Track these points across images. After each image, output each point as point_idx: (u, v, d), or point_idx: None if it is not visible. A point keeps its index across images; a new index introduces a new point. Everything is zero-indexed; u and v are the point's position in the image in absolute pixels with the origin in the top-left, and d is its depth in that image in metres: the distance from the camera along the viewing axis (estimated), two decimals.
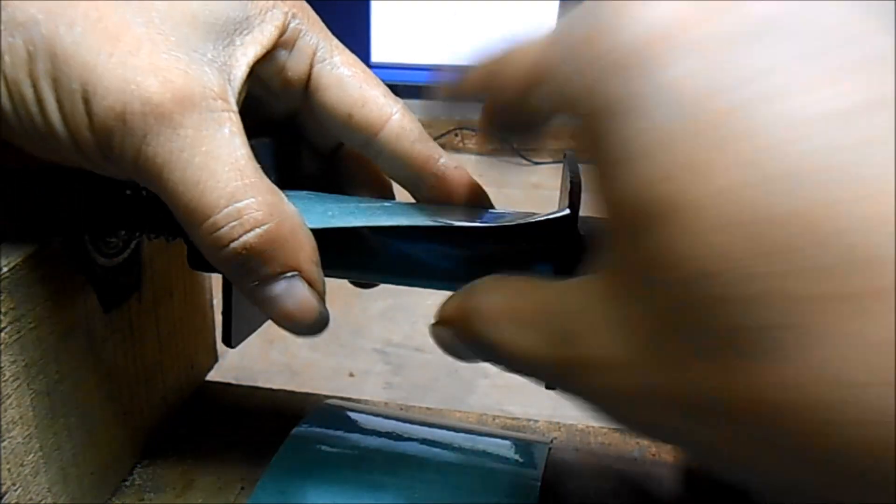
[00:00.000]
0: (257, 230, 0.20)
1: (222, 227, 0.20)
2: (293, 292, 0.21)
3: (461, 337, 0.19)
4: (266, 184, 0.21)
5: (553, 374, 0.17)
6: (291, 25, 0.23)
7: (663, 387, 0.14)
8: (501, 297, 0.18)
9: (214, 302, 0.36)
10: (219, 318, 0.36)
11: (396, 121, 0.26)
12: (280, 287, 0.21)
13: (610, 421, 0.16)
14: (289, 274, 0.21)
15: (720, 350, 0.12)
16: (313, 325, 0.22)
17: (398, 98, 0.25)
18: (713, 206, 0.12)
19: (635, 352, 0.14)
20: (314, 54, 0.24)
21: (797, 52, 0.13)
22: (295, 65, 0.24)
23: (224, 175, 0.20)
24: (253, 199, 0.20)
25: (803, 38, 0.13)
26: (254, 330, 0.29)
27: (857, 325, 0.11)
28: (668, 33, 0.13)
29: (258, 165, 0.21)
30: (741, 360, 0.12)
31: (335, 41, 0.25)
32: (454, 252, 0.24)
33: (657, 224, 0.13)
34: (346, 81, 0.25)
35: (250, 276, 0.21)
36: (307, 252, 0.21)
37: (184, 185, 0.20)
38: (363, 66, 0.25)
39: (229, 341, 0.28)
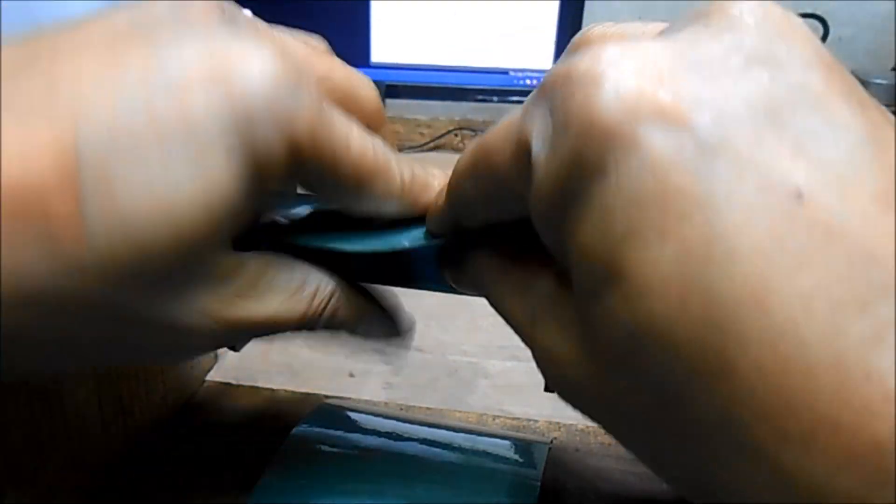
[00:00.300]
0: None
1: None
2: (372, 331, 0.24)
3: (458, 283, 0.22)
4: None
5: (522, 337, 0.19)
6: None
7: (601, 391, 0.16)
8: (495, 260, 0.21)
9: None
10: None
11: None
12: (360, 332, 0.24)
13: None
14: (360, 323, 0.24)
15: (653, 395, 0.14)
16: (403, 336, 0.26)
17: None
18: (660, 278, 0.13)
19: (580, 361, 0.16)
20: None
21: (766, 127, 0.13)
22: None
23: None
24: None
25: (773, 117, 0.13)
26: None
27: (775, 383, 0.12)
28: (637, 107, 0.14)
29: None
30: (666, 405, 0.14)
31: None
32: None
33: (608, 283, 0.14)
34: None
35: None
36: (367, 300, 0.24)
37: None
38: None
39: (233, 345, 0.28)
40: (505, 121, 0.18)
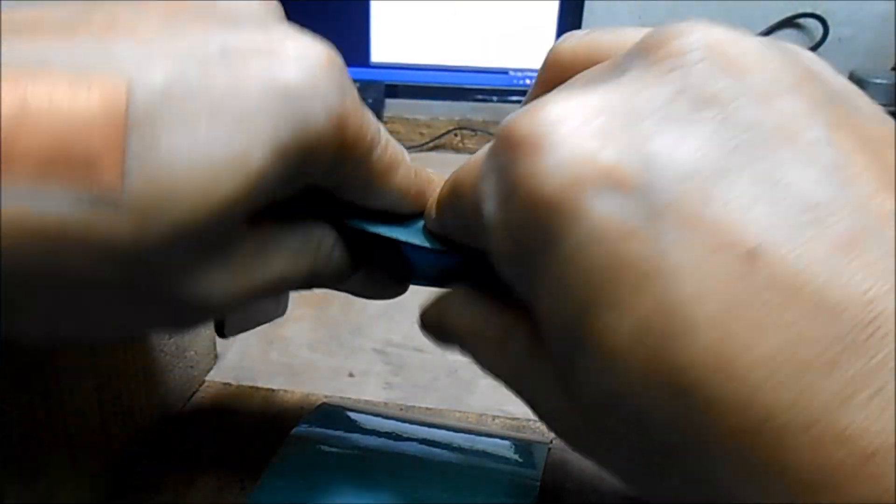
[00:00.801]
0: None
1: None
2: (369, 277, 0.24)
3: (440, 344, 0.22)
4: None
5: (510, 387, 0.19)
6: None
7: (589, 441, 0.17)
8: (469, 320, 0.20)
9: None
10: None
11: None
12: (357, 277, 0.24)
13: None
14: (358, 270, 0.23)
15: (633, 455, 0.15)
16: (397, 290, 0.25)
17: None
18: (624, 346, 0.13)
19: (566, 417, 0.17)
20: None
21: (716, 180, 0.13)
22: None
23: None
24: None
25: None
26: (249, 327, 0.29)
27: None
28: (579, 174, 0.13)
29: None
30: (648, 467, 0.15)
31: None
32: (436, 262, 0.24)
33: (576, 351, 0.14)
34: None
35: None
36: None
37: None
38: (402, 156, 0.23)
39: (222, 332, 0.28)
40: (473, 159, 0.18)
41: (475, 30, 0.91)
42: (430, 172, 0.23)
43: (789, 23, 0.98)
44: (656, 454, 0.14)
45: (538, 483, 0.27)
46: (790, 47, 0.15)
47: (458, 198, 0.18)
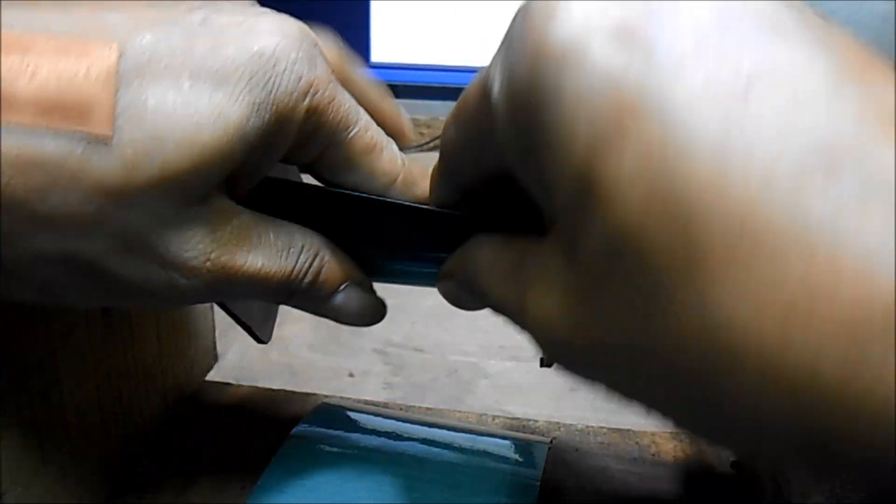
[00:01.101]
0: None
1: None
2: (351, 299, 0.24)
3: (460, 287, 0.23)
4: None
5: (516, 319, 0.20)
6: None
7: (589, 333, 0.16)
8: (485, 255, 0.21)
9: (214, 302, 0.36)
10: (219, 319, 0.37)
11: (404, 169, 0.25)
12: (339, 299, 0.24)
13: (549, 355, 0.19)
14: (341, 287, 0.24)
15: (634, 305, 0.14)
16: (374, 318, 0.26)
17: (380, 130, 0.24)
18: (625, 180, 0.14)
19: (569, 306, 0.16)
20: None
21: (712, 30, 0.14)
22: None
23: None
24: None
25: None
26: (274, 318, 0.31)
27: (742, 276, 0.12)
28: (587, 26, 0.15)
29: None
30: (648, 312, 0.14)
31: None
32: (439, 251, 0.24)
33: (581, 196, 0.15)
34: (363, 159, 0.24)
35: (314, 299, 0.24)
36: (350, 263, 0.24)
37: None
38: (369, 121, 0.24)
39: (261, 339, 0.29)
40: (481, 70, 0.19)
41: (475, 30, 0.91)
42: (426, 167, 0.24)
43: None
44: (651, 317, 0.14)
45: (538, 483, 0.27)
46: None
47: (464, 104, 0.19)
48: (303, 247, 0.23)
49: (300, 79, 0.20)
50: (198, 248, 0.20)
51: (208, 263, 0.20)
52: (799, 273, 0.12)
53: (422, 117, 0.93)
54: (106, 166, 0.18)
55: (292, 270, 0.22)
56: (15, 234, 0.18)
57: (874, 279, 0.11)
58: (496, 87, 0.17)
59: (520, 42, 0.16)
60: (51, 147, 0.18)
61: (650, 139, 0.13)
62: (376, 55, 0.94)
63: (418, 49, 0.93)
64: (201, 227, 0.20)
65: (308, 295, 0.23)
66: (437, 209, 0.23)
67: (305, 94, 0.20)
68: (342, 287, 0.24)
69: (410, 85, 0.95)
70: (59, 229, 0.19)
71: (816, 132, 0.12)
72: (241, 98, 0.19)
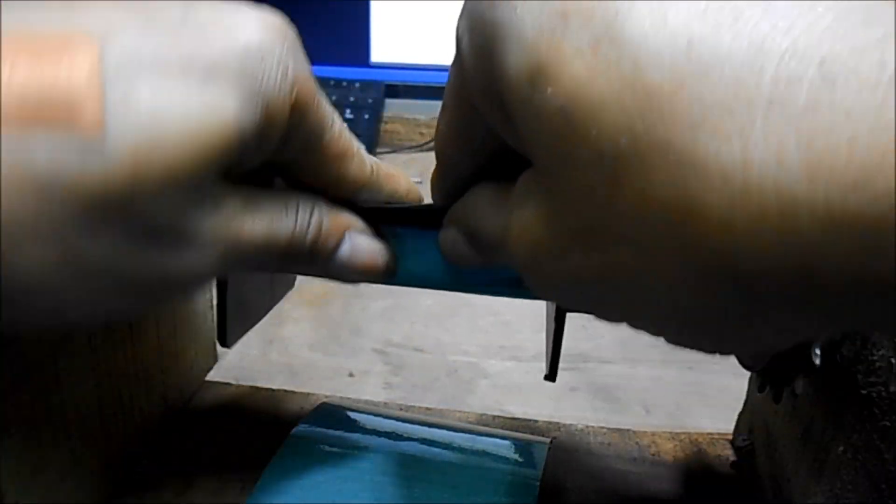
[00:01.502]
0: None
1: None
2: (358, 249, 0.24)
3: (459, 230, 0.23)
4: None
5: (502, 250, 0.20)
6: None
7: (563, 237, 0.17)
8: (481, 195, 0.22)
9: (214, 302, 0.36)
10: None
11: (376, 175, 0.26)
12: (345, 251, 0.24)
13: (532, 286, 0.20)
14: (345, 237, 0.24)
15: (596, 171, 0.15)
16: (386, 270, 0.25)
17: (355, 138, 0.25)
18: (572, 50, 0.15)
19: (544, 216, 0.17)
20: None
21: None
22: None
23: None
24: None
25: None
26: (248, 329, 0.29)
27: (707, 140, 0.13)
28: None
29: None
30: (613, 174, 0.15)
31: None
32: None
33: (535, 78, 0.15)
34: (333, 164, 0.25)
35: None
36: (348, 213, 0.24)
37: None
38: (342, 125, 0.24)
39: (224, 341, 0.28)
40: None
41: None
42: (391, 168, 0.25)
43: None
44: (610, 159, 0.15)
45: (538, 483, 0.27)
46: None
47: (446, 89, 0.21)
48: (298, 203, 0.23)
49: (287, 71, 0.20)
50: (207, 227, 0.20)
51: (220, 239, 0.21)
52: (751, 86, 0.12)
53: (422, 117, 0.93)
54: (106, 173, 0.17)
55: (294, 226, 0.23)
56: (16, 252, 0.18)
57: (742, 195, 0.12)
58: (464, 40, 0.18)
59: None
60: (41, 156, 0.17)
61: (591, 13, 0.14)
62: (376, 55, 0.94)
63: (418, 49, 0.93)
64: (208, 209, 0.20)
65: (315, 250, 0.23)
66: (438, 206, 0.23)
67: (292, 87, 0.21)
68: (346, 238, 0.24)
69: (410, 85, 0.95)
70: (63, 240, 0.18)
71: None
72: (234, 92, 0.19)
